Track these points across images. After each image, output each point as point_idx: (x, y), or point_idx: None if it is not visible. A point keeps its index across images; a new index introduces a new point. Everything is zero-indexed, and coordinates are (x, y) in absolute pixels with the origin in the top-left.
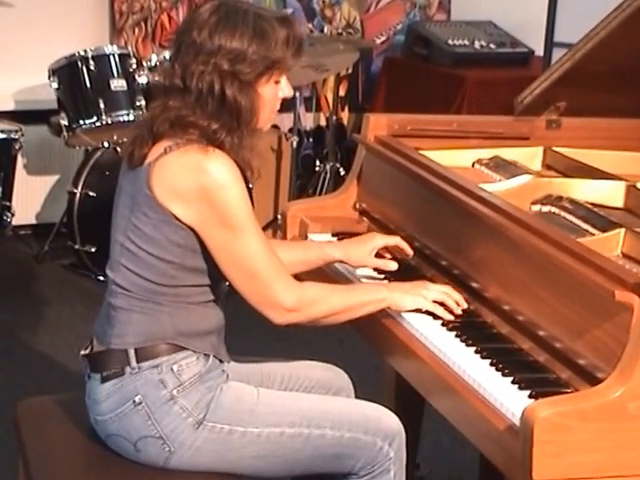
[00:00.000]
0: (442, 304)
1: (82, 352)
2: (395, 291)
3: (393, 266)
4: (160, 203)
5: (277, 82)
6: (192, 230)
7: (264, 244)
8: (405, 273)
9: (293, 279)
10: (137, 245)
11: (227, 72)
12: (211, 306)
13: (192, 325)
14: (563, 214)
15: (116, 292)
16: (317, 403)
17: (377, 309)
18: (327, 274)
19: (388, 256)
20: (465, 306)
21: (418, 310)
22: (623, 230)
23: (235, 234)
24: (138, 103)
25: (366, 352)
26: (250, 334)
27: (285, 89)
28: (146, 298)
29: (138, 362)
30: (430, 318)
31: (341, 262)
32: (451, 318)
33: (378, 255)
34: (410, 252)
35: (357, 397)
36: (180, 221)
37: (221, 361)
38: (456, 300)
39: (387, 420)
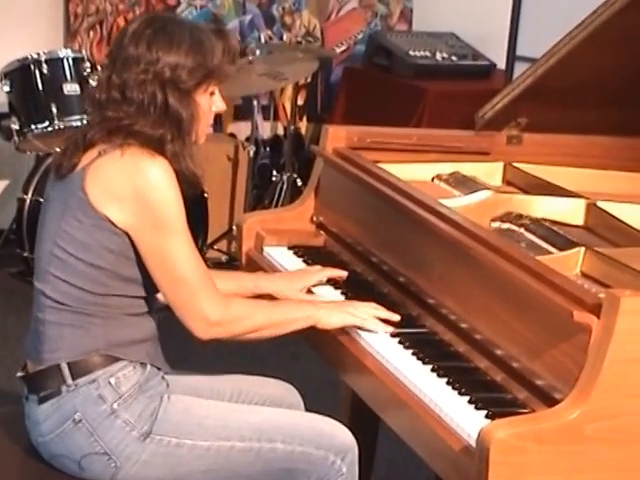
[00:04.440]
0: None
1: (18, 374)
2: (322, 309)
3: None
4: (94, 206)
5: (212, 94)
6: (126, 236)
7: (195, 253)
8: (362, 289)
9: (220, 293)
10: (67, 252)
11: (168, 81)
12: (144, 317)
13: (125, 335)
14: (523, 232)
15: (45, 305)
16: (269, 417)
17: (303, 327)
18: None
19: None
20: (397, 318)
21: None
22: (583, 249)
23: (166, 237)
24: None
25: (321, 368)
26: (202, 348)
27: (218, 103)
28: (76, 310)
29: (74, 379)
30: (387, 335)
31: (271, 296)
32: (387, 329)
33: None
34: (344, 274)
35: (311, 412)
36: (114, 225)
37: (159, 369)
38: (385, 317)
39: (340, 435)
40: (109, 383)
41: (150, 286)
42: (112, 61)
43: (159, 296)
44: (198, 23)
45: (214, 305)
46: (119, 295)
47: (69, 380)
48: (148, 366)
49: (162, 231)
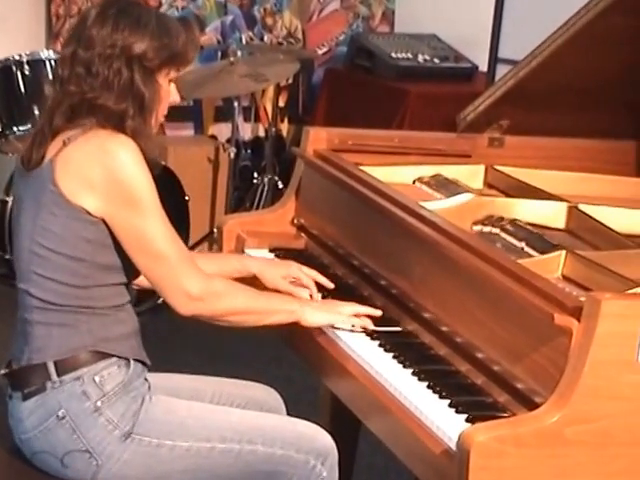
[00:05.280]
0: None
1: (1, 372)
2: (306, 306)
3: (304, 295)
4: (68, 198)
5: (171, 81)
6: (102, 222)
7: (170, 230)
8: (342, 292)
9: (200, 269)
10: (46, 247)
11: (134, 57)
12: (125, 309)
13: (110, 330)
14: (504, 235)
15: (31, 306)
16: (250, 419)
17: (286, 321)
18: None
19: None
20: (379, 313)
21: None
22: (564, 252)
23: (140, 214)
24: None
25: (303, 371)
26: (184, 351)
27: (174, 93)
28: (63, 308)
29: (59, 376)
30: (368, 339)
31: (255, 277)
32: (368, 327)
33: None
34: (330, 285)
35: (292, 417)
36: (89, 214)
37: (144, 364)
38: (369, 314)
39: (320, 438)
40: (93, 380)
41: (130, 271)
42: (76, 39)
43: (141, 279)
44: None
45: (195, 278)
46: (100, 285)
47: (54, 377)
48: (132, 365)
49: (135, 209)
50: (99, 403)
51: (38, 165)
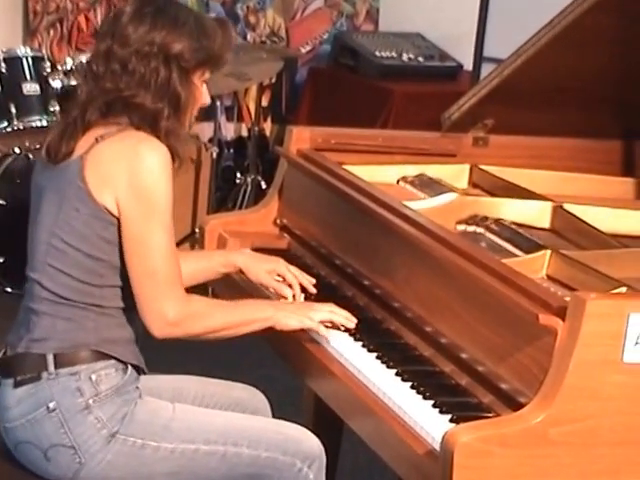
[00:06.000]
0: (332, 322)
1: None
2: (281, 310)
3: (288, 293)
4: (93, 196)
5: (204, 82)
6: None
7: (172, 247)
8: (325, 292)
9: (183, 291)
10: (66, 242)
11: (172, 56)
12: (131, 314)
13: (115, 332)
14: (488, 234)
15: (40, 297)
16: (235, 421)
17: (262, 327)
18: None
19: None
20: (355, 321)
21: (336, 328)
22: (548, 252)
23: (149, 222)
24: (52, 108)
25: (286, 373)
26: (166, 353)
27: (205, 95)
28: (73, 303)
29: (56, 368)
30: (351, 339)
31: (241, 272)
32: (342, 335)
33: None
34: (313, 290)
35: (276, 418)
36: (111, 214)
37: (139, 372)
38: (345, 316)
39: (307, 441)
40: (89, 378)
41: None
42: (110, 35)
43: None
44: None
45: (175, 303)
46: (114, 286)
47: (51, 368)
48: (129, 370)
49: (147, 215)
50: (91, 401)
51: (65, 158)
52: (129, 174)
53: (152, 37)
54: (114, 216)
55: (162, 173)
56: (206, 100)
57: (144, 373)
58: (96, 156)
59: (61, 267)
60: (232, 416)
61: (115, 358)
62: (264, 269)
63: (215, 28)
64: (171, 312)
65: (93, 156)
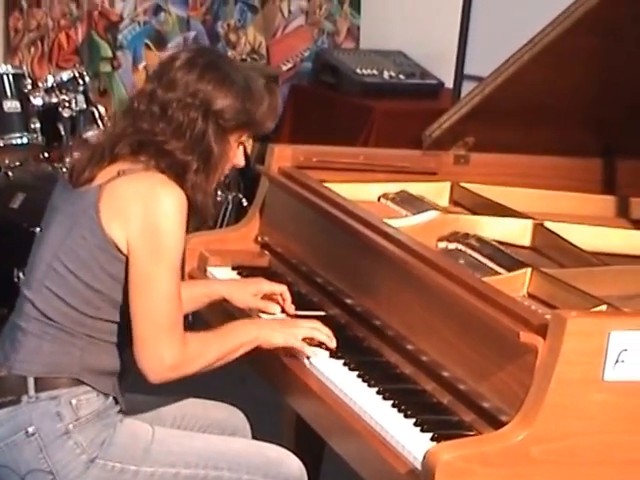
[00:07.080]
0: (312, 340)
1: None
2: (264, 328)
3: (276, 309)
4: (103, 227)
5: (241, 144)
6: (127, 260)
7: (177, 294)
8: (307, 310)
9: (182, 334)
10: (67, 268)
11: (212, 112)
12: (122, 348)
13: (100, 363)
14: (469, 252)
15: (30, 315)
16: (215, 443)
17: (250, 348)
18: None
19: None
20: (334, 342)
21: (317, 346)
22: (529, 270)
23: (158, 265)
24: (32, 126)
25: (267, 391)
26: None
27: (240, 157)
28: (62, 327)
29: (37, 391)
30: (332, 358)
31: (225, 300)
32: (324, 354)
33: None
34: (292, 310)
35: (257, 437)
36: (119, 250)
37: (117, 402)
38: (327, 334)
39: (289, 463)
40: (70, 403)
41: None
42: (158, 77)
43: None
44: (252, 71)
45: (174, 349)
46: (108, 320)
47: (32, 391)
48: (110, 397)
49: (156, 257)
50: (71, 426)
51: (85, 184)
52: (145, 214)
53: (197, 88)
54: (120, 252)
55: (177, 218)
56: (239, 162)
57: (121, 409)
58: (114, 189)
59: (57, 291)
60: (212, 438)
61: (95, 389)
62: (250, 293)
63: (263, 94)
64: (169, 357)
65: (111, 189)
